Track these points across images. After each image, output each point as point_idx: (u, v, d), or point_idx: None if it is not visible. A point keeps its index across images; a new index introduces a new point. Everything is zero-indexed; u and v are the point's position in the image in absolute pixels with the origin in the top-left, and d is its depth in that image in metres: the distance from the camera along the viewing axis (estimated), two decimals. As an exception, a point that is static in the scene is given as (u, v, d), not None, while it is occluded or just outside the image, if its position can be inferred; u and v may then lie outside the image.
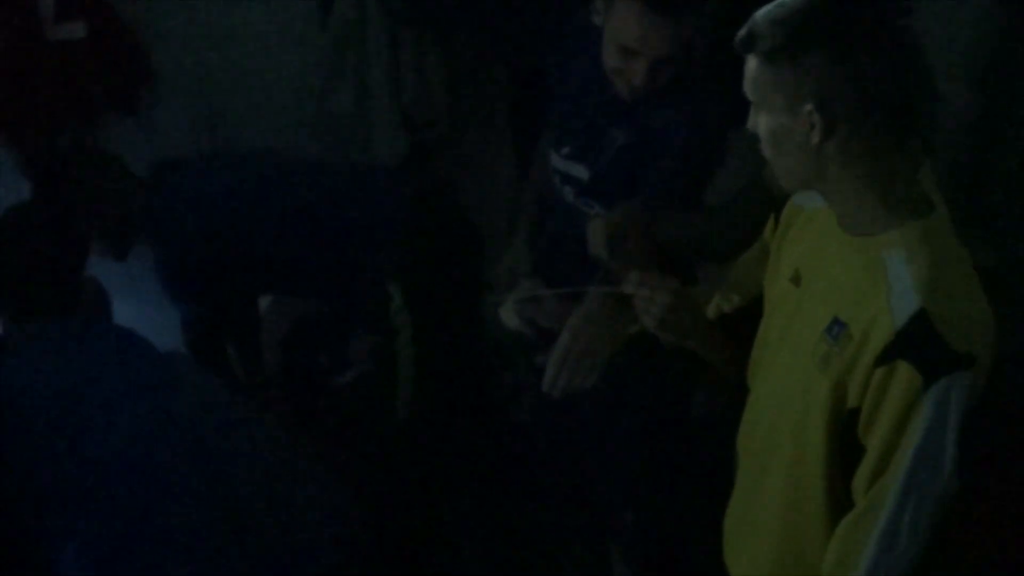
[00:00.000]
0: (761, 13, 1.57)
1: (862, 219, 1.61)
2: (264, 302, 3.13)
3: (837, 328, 1.60)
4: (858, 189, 1.59)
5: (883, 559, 1.58)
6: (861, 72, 1.52)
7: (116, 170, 2.77)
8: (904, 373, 1.52)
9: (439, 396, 2.84)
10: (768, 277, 1.86)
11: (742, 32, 1.57)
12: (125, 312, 2.77)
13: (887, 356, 1.53)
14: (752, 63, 1.59)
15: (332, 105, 3.06)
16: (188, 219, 2.74)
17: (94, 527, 2.07)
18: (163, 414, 2.18)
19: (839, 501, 1.64)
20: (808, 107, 1.54)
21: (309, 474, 2.29)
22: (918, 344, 1.52)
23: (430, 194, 2.99)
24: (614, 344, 2.09)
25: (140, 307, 2.84)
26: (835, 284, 1.64)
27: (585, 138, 2.42)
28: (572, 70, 2.45)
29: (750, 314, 1.91)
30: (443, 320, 2.83)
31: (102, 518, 2.08)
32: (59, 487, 2.09)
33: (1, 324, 2.34)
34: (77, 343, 2.25)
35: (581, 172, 2.43)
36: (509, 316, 2.29)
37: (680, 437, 2.63)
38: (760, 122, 1.61)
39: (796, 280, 1.73)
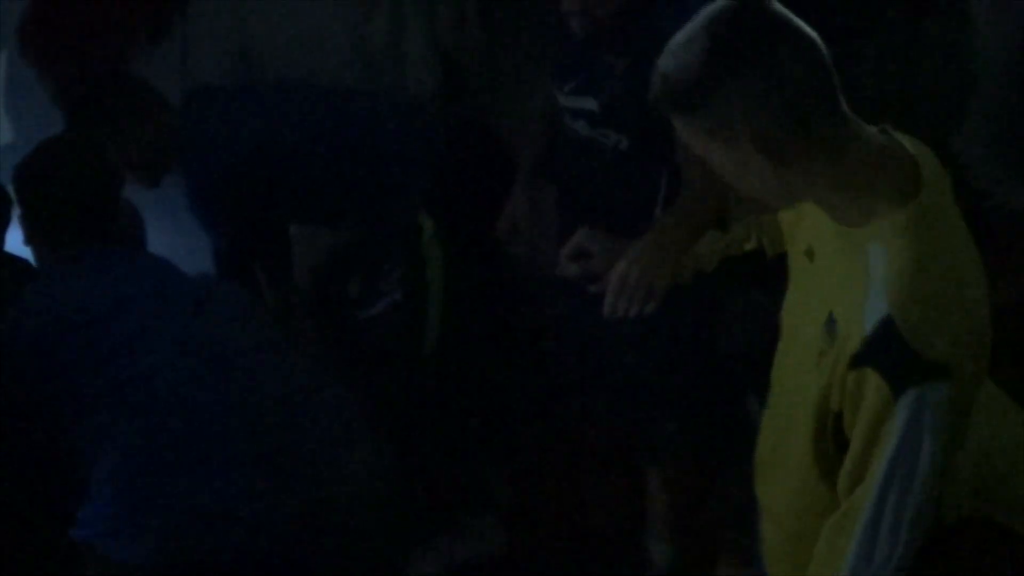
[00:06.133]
0: (664, 63, 1.48)
1: (848, 211, 1.53)
2: (295, 231, 3.14)
3: (831, 325, 1.53)
4: (835, 189, 1.52)
5: (862, 565, 1.52)
6: (783, 90, 1.44)
7: (149, 97, 2.78)
8: (873, 381, 1.46)
9: (468, 328, 2.85)
10: (789, 242, 1.79)
11: (655, 90, 1.49)
12: (158, 239, 2.80)
13: (857, 362, 1.47)
14: (679, 122, 1.52)
15: (366, 33, 3.02)
16: (219, 147, 2.75)
17: (125, 444, 2.12)
18: (191, 339, 2.21)
19: None
20: (747, 147, 1.46)
21: (334, 401, 2.32)
22: (884, 352, 1.44)
23: (463, 125, 2.97)
24: (675, 273, 2.05)
25: (172, 234, 2.87)
26: (832, 276, 1.58)
27: (585, 71, 2.40)
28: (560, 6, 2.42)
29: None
30: (474, 252, 2.83)
31: (132, 436, 2.13)
32: (90, 408, 2.14)
33: (36, 250, 2.37)
34: (109, 269, 2.28)
35: (590, 104, 2.41)
36: (562, 267, 2.23)
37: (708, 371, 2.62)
38: (717, 168, 1.55)
39: (810, 255, 1.66)
